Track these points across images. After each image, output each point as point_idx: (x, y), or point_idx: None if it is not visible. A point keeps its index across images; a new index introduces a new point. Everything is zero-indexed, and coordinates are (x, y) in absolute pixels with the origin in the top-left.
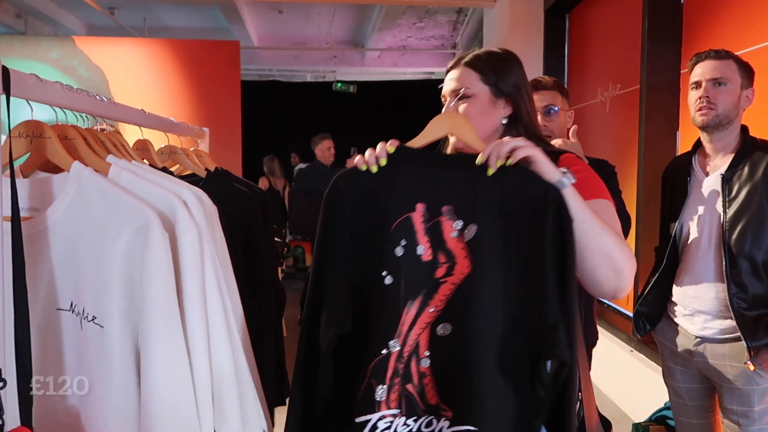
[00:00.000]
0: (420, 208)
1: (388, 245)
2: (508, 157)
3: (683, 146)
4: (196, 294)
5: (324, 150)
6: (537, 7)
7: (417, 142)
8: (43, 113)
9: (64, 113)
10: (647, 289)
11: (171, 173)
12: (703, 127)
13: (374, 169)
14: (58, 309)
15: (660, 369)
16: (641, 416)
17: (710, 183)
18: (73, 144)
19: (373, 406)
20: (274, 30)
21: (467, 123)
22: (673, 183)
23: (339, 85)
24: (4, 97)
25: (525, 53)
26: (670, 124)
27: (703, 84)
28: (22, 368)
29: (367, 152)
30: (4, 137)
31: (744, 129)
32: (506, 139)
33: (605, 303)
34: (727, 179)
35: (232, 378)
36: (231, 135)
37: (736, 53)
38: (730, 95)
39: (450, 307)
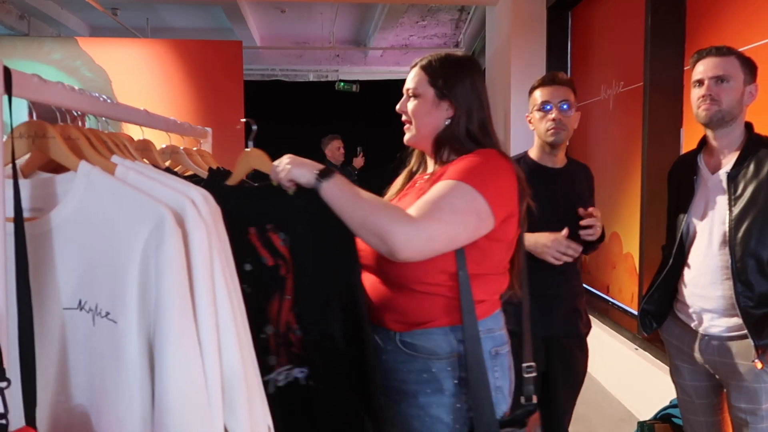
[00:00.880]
0: (253, 231)
1: (239, 264)
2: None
3: (687, 144)
4: (205, 291)
5: (334, 150)
6: (539, 5)
7: (233, 180)
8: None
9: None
10: (653, 287)
11: (175, 173)
12: (707, 123)
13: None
14: (65, 308)
15: (665, 367)
16: (646, 414)
17: (716, 181)
18: (77, 144)
19: (270, 369)
20: (276, 29)
21: (262, 156)
22: (679, 181)
23: (342, 84)
24: (5, 97)
25: (527, 51)
26: (673, 121)
27: (706, 82)
28: (25, 368)
29: None
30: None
31: (748, 126)
32: (280, 162)
33: (610, 302)
34: (732, 177)
35: (240, 374)
36: (234, 135)
37: (740, 50)
38: (734, 92)
39: (296, 293)
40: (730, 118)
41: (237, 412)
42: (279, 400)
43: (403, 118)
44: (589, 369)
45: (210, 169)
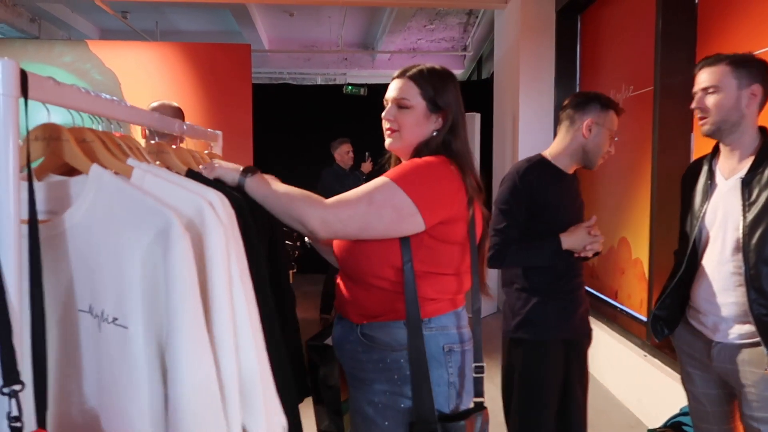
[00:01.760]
0: None
1: None
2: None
3: (698, 149)
4: (223, 293)
5: (343, 154)
6: (548, 9)
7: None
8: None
9: (80, 116)
10: (665, 293)
11: (199, 175)
12: (708, 136)
13: None
14: (79, 310)
15: (674, 374)
16: (656, 422)
17: (730, 186)
18: (91, 147)
19: None
20: (284, 33)
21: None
22: (692, 186)
23: (350, 88)
24: (22, 100)
25: (536, 55)
26: (684, 126)
27: (696, 95)
28: (38, 370)
29: None
30: (21, 140)
31: (763, 130)
32: (209, 165)
33: (618, 307)
34: (746, 183)
35: (257, 375)
36: (242, 137)
37: (753, 53)
38: (723, 99)
39: None
40: (729, 126)
41: (255, 411)
42: None
43: (388, 125)
44: (597, 375)
45: (188, 171)
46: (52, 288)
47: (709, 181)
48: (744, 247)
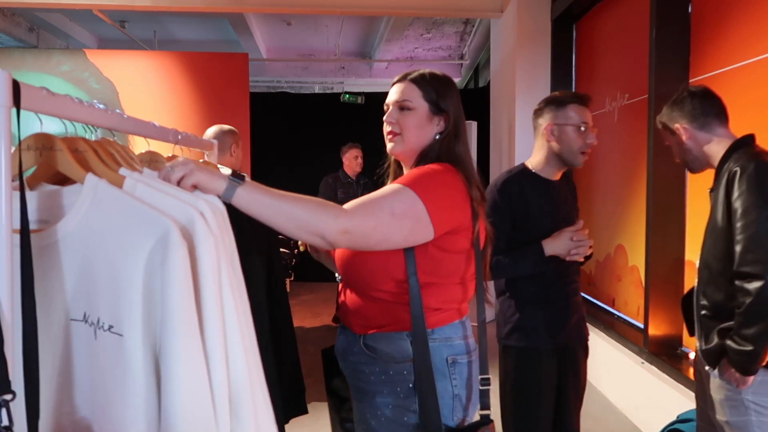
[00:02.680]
0: None
1: None
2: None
3: None
4: (213, 303)
5: (351, 159)
6: (544, 17)
7: None
8: (53, 126)
9: (74, 126)
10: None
11: None
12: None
13: None
14: (72, 319)
15: (672, 381)
16: (653, 429)
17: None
18: (84, 156)
19: None
20: (282, 42)
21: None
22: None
23: (347, 96)
24: (14, 110)
25: (532, 63)
26: None
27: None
28: (29, 380)
29: None
30: (13, 149)
31: (737, 139)
32: (177, 162)
33: (615, 315)
34: (711, 193)
35: (247, 385)
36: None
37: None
38: (678, 141)
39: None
40: (687, 165)
41: (243, 420)
42: None
43: (389, 129)
44: (594, 382)
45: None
46: (45, 297)
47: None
48: (701, 252)
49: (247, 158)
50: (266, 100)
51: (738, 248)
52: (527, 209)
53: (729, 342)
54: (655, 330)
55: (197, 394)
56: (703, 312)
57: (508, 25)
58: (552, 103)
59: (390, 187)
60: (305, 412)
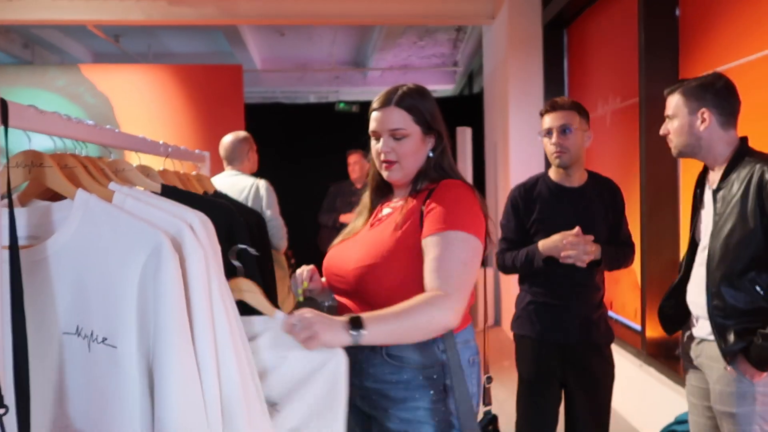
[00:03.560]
0: None
1: None
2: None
3: (685, 160)
4: (203, 315)
5: (351, 164)
6: (535, 23)
7: None
8: (49, 143)
9: (63, 142)
10: (668, 292)
11: (183, 192)
12: (678, 157)
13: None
14: (65, 333)
15: (670, 383)
16: (651, 431)
17: (708, 196)
18: (74, 172)
19: None
20: (276, 52)
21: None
22: (695, 194)
23: (341, 105)
24: (2, 128)
25: (524, 68)
26: None
27: (665, 122)
28: (20, 394)
29: None
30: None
31: (741, 140)
32: (300, 320)
33: (613, 318)
34: (716, 193)
35: (240, 396)
36: None
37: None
38: (678, 125)
39: None
40: (689, 149)
41: (237, 431)
42: None
43: (385, 158)
44: None
45: (162, 186)
46: (37, 312)
47: (699, 191)
48: (708, 254)
49: (253, 166)
50: (261, 111)
51: None
52: (532, 215)
53: (758, 340)
54: (652, 332)
55: (190, 404)
56: (716, 312)
57: (499, 32)
58: (540, 115)
59: (442, 241)
60: None
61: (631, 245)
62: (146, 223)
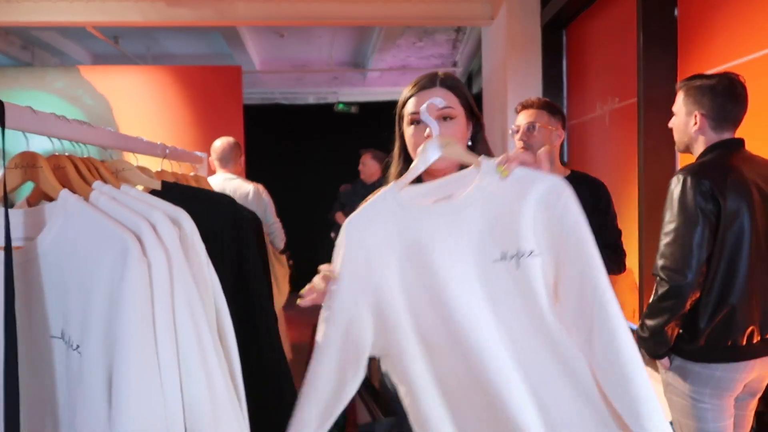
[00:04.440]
0: None
1: None
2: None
3: (682, 160)
4: (164, 323)
5: (361, 166)
6: (534, 24)
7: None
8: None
9: (61, 143)
10: None
11: (184, 187)
12: (681, 152)
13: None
14: (52, 336)
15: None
16: None
17: None
18: (65, 172)
19: None
20: (275, 54)
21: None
22: None
23: (341, 105)
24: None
25: (523, 69)
26: (668, 136)
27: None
28: (9, 399)
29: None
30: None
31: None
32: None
33: None
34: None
35: (207, 405)
36: None
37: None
38: (677, 122)
39: None
40: (682, 147)
41: None
42: None
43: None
44: None
45: (162, 183)
46: (27, 315)
47: None
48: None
49: (243, 172)
50: (260, 112)
51: None
52: None
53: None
54: None
55: (149, 418)
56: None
57: (498, 33)
58: None
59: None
60: None
61: (617, 248)
62: (115, 223)
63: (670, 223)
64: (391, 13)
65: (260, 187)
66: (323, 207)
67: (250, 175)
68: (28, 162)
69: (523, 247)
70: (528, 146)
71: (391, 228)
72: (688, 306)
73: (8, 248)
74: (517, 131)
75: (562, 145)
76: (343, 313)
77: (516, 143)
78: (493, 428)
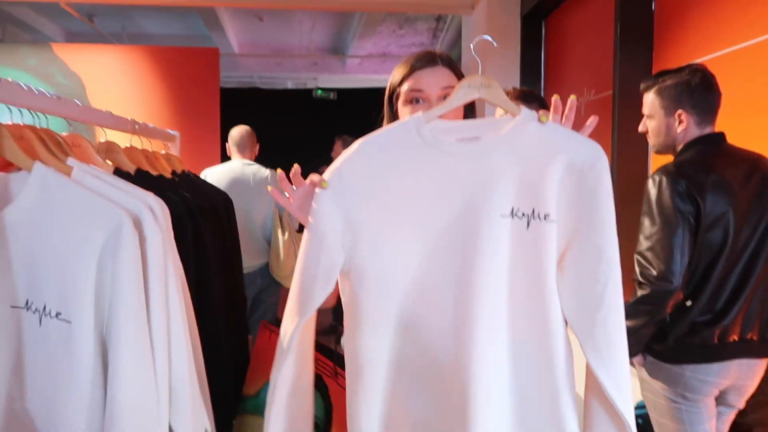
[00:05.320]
0: None
1: None
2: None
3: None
4: (159, 296)
5: (333, 153)
6: (514, 14)
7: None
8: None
9: (21, 114)
10: None
11: (149, 175)
12: (658, 153)
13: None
14: (12, 306)
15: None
16: None
17: None
18: (31, 144)
19: None
20: (254, 37)
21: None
22: None
23: (319, 92)
24: None
25: (502, 59)
26: None
27: (643, 119)
28: None
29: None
30: None
31: (690, 141)
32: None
33: None
34: None
35: (187, 376)
36: (210, 142)
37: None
38: (655, 125)
39: None
40: (664, 148)
41: (181, 411)
42: None
43: None
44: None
45: (137, 170)
46: None
47: None
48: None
49: (217, 153)
50: (237, 96)
51: None
52: None
53: None
54: None
55: (143, 382)
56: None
57: (478, 22)
58: None
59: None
60: None
61: None
62: (107, 201)
63: (649, 226)
64: (372, 0)
65: (272, 172)
66: None
67: (227, 158)
68: None
69: (540, 208)
70: None
71: (403, 162)
72: (668, 311)
73: None
74: None
75: None
76: (324, 218)
77: None
78: (448, 418)
